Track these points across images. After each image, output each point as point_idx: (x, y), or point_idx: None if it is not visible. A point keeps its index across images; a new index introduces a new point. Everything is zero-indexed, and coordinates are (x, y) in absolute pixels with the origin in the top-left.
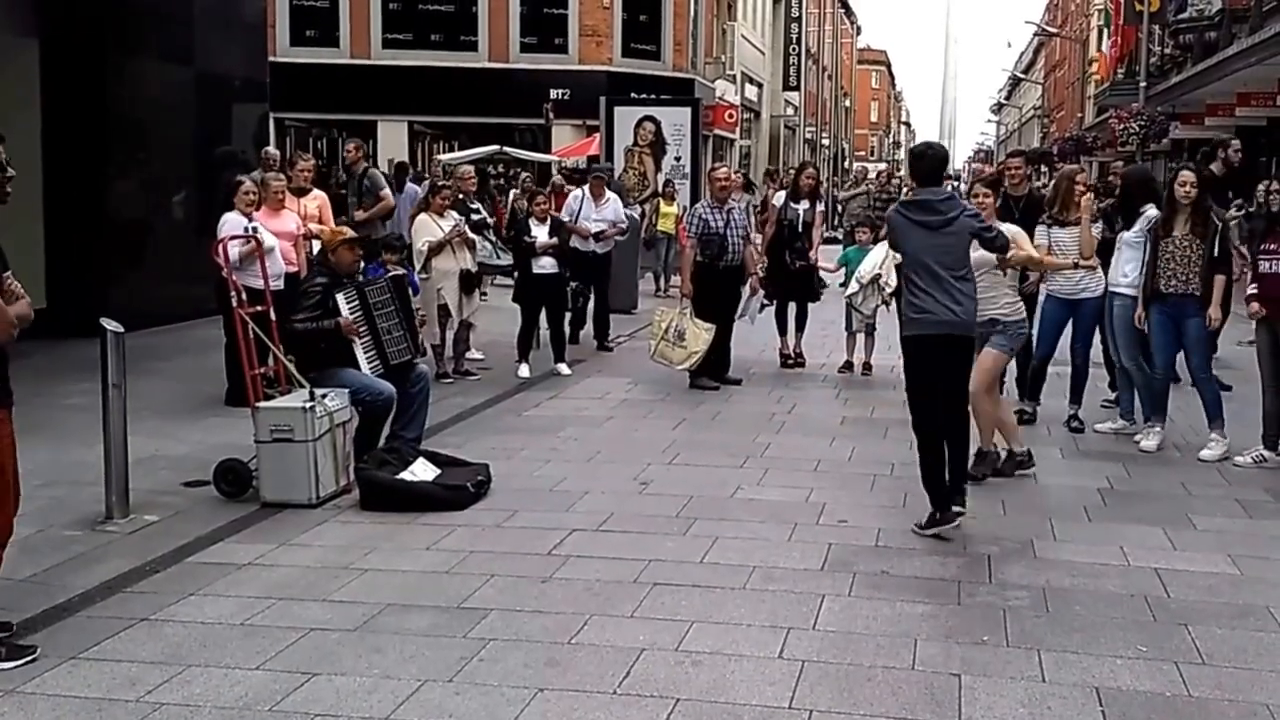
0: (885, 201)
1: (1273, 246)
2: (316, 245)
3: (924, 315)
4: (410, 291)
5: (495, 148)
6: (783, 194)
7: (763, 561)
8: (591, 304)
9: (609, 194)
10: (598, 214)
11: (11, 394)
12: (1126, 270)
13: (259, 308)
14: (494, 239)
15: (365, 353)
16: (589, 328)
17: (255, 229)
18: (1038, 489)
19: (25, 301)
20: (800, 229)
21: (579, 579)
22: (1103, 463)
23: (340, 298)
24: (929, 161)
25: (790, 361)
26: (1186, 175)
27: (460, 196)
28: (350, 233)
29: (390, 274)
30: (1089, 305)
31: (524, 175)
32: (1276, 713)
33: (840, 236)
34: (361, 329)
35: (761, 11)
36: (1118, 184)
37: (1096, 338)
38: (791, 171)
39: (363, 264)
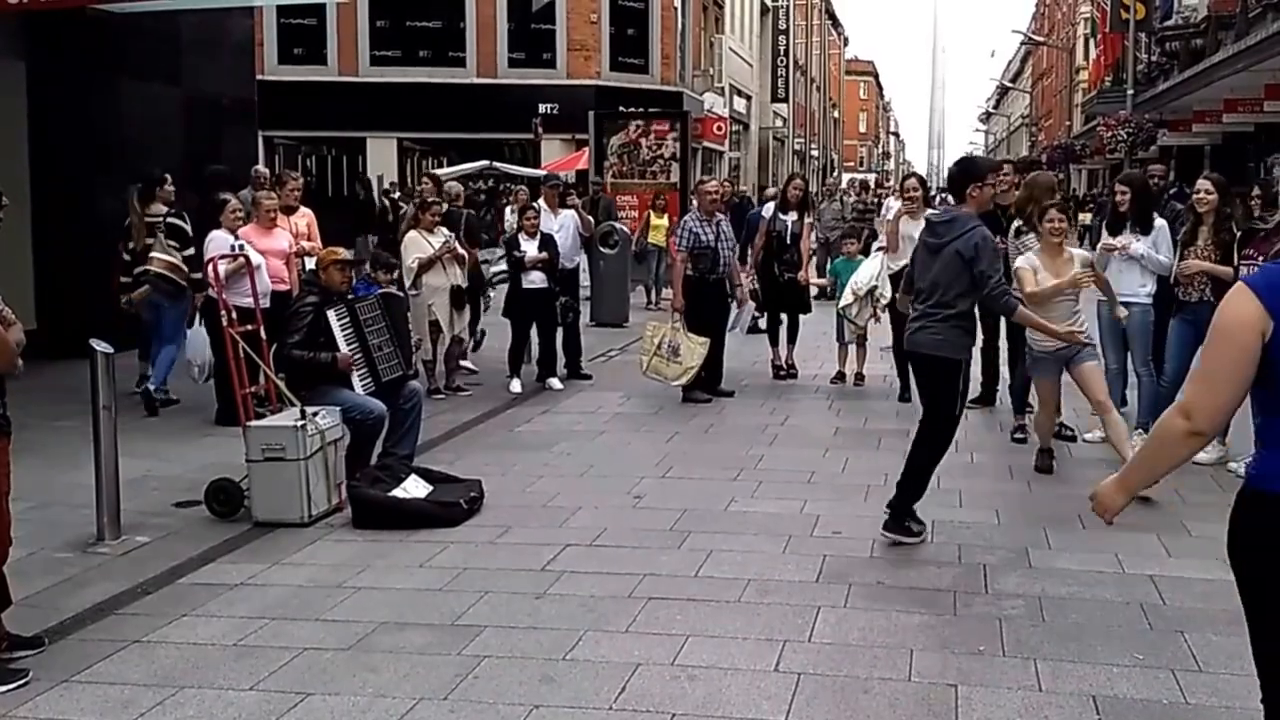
0: (862, 212)
1: (1251, 253)
2: (310, 262)
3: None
4: (402, 308)
5: (485, 163)
6: (771, 205)
7: (758, 574)
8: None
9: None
10: (557, 223)
11: (10, 422)
12: (1145, 280)
13: (249, 326)
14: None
15: (357, 370)
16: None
17: (241, 246)
18: (1032, 498)
19: (19, 326)
20: (789, 240)
21: (573, 595)
22: (1096, 470)
23: (331, 315)
24: (950, 177)
25: (782, 373)
26: (1202, 184)
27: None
28: (342, 253)
29: (381, 291)
30: None
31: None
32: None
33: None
34: (355, 354)
35: (749, 24)
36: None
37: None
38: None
39: (353, 280)
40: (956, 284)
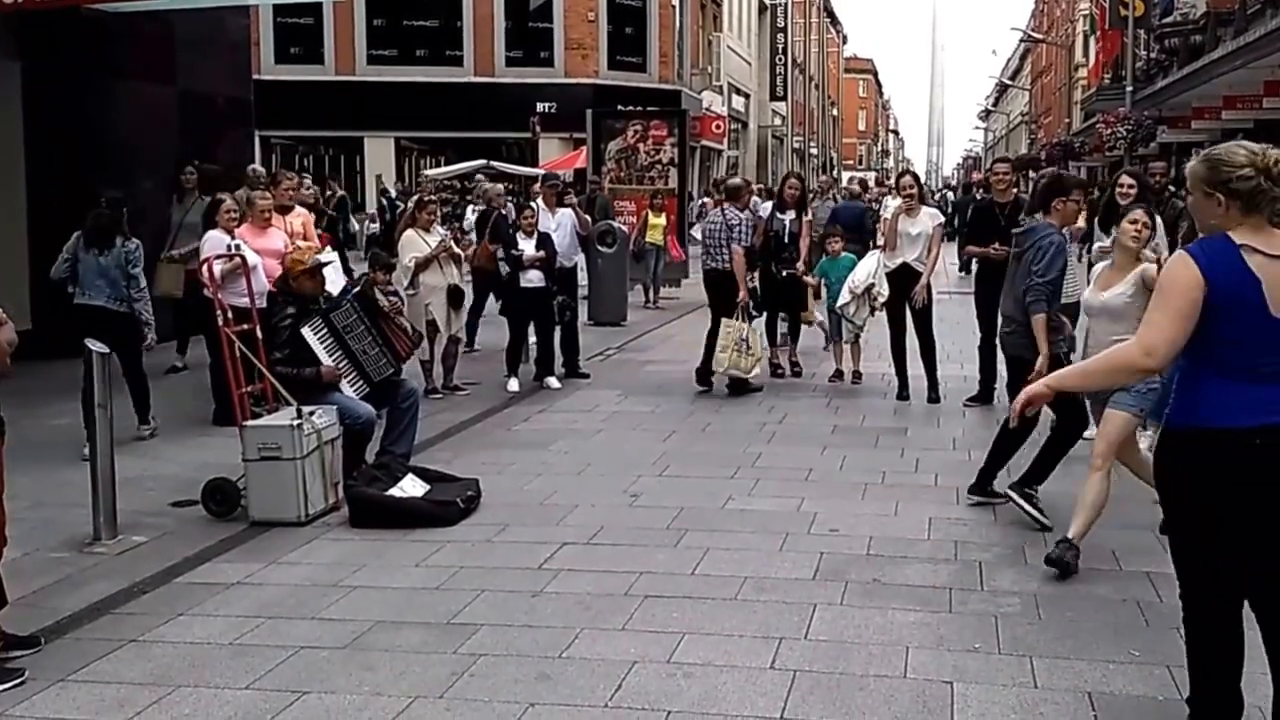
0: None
1: None
2: None
3: None
4: (377, 304)
5: (482, 162)
6: (769, 204)
7: (754, 572)
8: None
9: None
10: (555, 222)
11: (2, 421)
12: None
13: (245, 326)
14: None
15: (346, 376)
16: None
17: (238, 246)
18: None
19: (10, 326)
20: (786, 239)
21: (570, 593)
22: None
23: (307, 331)
24: (1037, 190)
25: (781, 371)
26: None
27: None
28: (309, 260)
29: (353, 292)
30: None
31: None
32: (1269, 715)
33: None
34: (339, 360)
35: (747, 22)
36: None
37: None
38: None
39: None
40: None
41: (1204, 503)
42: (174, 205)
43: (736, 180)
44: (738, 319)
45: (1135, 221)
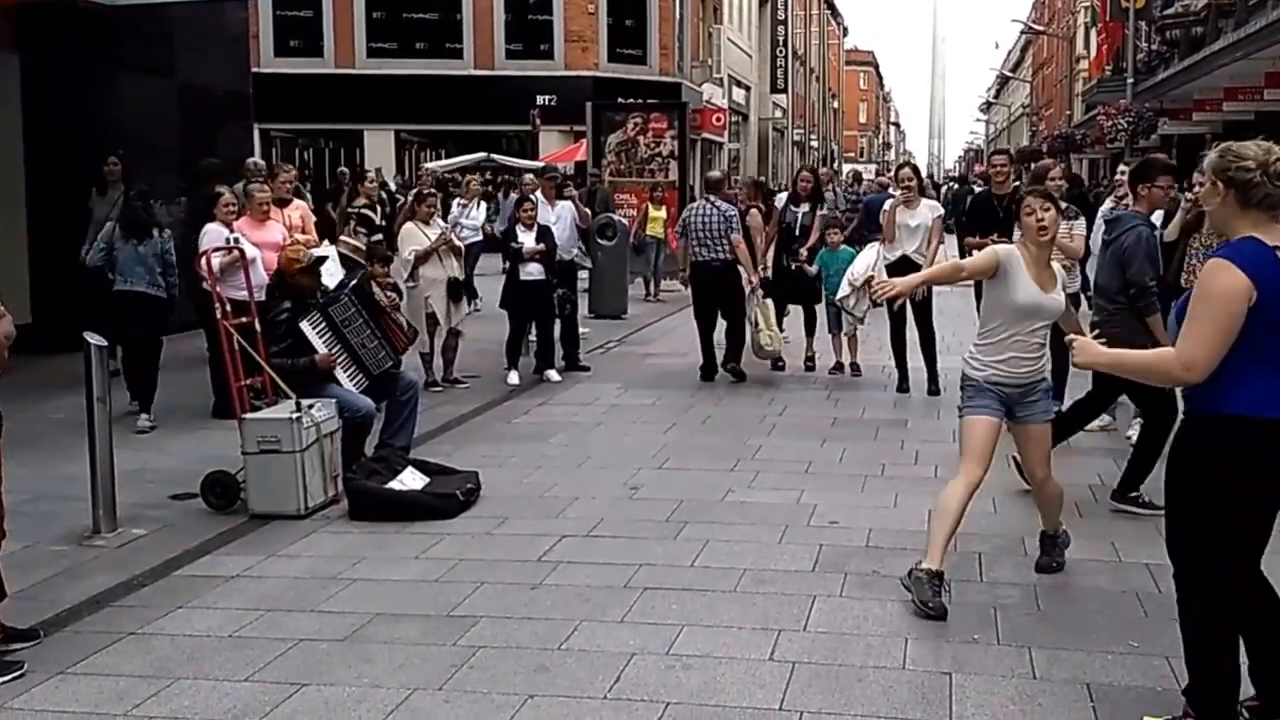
0: (853, 203)
1: None
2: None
3: None
4: (374, 297)
5: (483, 155)
6: (784, 196)
7: (753, 564)
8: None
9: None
10: (554, 215)
11: (1, 415)
12: None
13: (244, 319)
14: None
15: (345, 370)
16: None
17: (237, 239)
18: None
19: (8, 319)
20: (798, 232)
21: (569, 585)
22: (1093, 459)
23: (306, 326)
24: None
25: (781, 364)
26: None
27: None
28: (304, 259)
29: (351, 286)
30: None
31: (470, 178)
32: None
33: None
34: (338, 354)
35: (747, 14)
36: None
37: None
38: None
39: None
40: (1115, 281)
41: (1226, 486)
42: (94, 198)
43: (716, 173)
44: (754, 303)
45: (1031, 214)
